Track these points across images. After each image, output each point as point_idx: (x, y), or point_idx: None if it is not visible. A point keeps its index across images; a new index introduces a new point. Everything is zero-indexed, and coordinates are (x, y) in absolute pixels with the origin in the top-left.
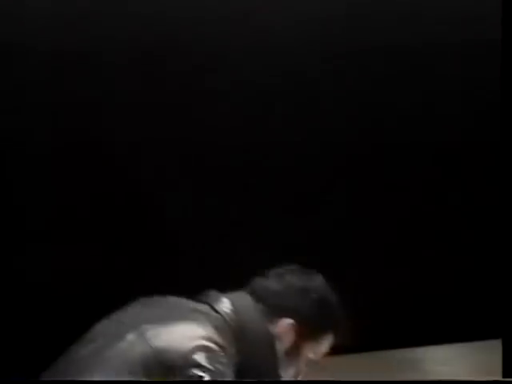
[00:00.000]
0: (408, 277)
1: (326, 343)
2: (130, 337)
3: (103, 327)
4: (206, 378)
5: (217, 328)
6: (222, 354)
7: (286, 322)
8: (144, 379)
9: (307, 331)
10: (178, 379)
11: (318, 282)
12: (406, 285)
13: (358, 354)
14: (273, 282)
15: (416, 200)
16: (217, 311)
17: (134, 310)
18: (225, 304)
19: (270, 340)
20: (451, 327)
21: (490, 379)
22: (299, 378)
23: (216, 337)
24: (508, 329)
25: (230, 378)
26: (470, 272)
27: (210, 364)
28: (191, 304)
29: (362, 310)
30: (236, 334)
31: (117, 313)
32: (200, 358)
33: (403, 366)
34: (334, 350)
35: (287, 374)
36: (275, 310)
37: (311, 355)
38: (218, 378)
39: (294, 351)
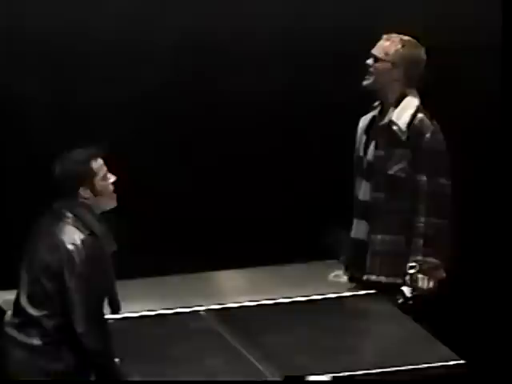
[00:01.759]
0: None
1: (100, 171)
2: (36, 268)
3: (23, 269)
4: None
5: (77, 234)
6: (90, 242)
7: (82, 191)
8: (49, 282)
9: (91, 185)
10: (69, 278)
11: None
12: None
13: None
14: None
15: None
16: (71, 224)
17: (31, 248)
18: (69, 215)
19: (94, 213)
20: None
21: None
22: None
23: (78, 238)
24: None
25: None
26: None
27: (82, 259)
28: (58, 225)
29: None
30: (84, 225)
31: (26, 251)
32: (77, 258)
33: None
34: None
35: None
36: (73, 189)
37: (108, 180)
38: (90, 268)
39: (98, 193)
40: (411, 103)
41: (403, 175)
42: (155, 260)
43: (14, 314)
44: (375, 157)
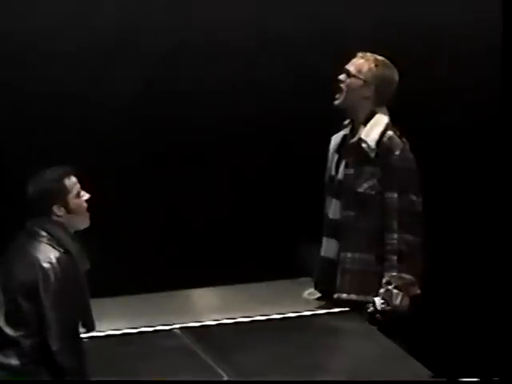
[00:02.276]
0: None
1: (74, 189)
2: (12, 287)
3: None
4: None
5: (52, 252)
6: (65, 260)
7: (56, 209)
8: (25, 301)
9: (65, 202)
10: (42, 293)
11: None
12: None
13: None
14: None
15: None
16: (46, 242)
17: (7, 268)
18: (43, 234)
19: (68, 232)
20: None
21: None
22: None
23: (53, 256)
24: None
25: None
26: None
27: (54, 272)
28: (33, 244)
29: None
30: (58, 244)
31: (1, 270)
32: (52, 276)
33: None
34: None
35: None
36: (47, 207)
37: (82, 198)
38: (60, 282)
39: (71, 210)
40: (380, 121)
41: (373, 193)
42: (129, 278)
43: None
44: (345, 175)
